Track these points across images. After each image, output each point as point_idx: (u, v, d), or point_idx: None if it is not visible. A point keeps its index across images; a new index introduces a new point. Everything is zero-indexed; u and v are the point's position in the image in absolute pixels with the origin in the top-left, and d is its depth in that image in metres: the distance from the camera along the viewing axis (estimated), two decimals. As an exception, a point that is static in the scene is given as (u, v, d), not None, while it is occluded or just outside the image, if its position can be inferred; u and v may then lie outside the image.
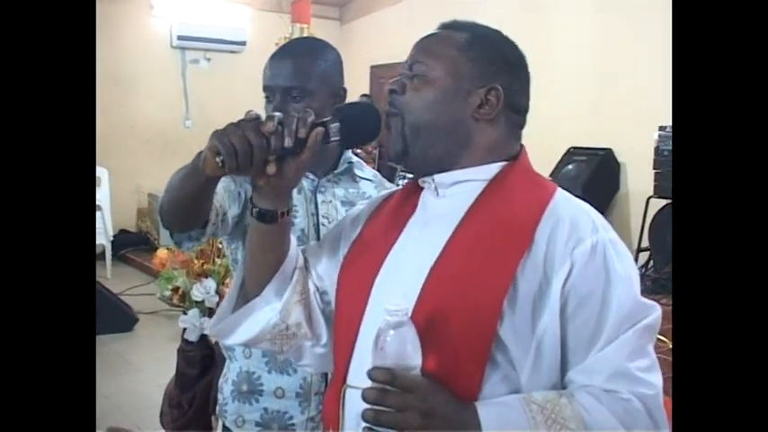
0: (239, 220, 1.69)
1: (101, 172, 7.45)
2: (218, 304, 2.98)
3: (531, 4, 7.05)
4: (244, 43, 8.93)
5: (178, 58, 8.89)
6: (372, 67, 9.54)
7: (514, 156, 1.21)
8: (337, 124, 1.16)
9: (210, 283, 3.04)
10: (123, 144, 8.32)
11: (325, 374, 1.72)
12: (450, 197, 1.19)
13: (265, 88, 1.70)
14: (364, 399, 1.00)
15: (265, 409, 1.75)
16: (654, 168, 5.71)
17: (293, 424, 1.74)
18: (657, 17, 5.99)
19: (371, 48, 9.39)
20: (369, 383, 1.00)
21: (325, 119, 1.16)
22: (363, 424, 1.01)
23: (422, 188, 1.24)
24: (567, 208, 1.14)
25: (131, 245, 8.09)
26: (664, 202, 5.66)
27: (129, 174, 8.22)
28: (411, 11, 8.56)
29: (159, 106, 8.67)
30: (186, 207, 1.48)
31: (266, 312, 1.26)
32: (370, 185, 1.84)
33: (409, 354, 1.00)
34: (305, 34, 6.80)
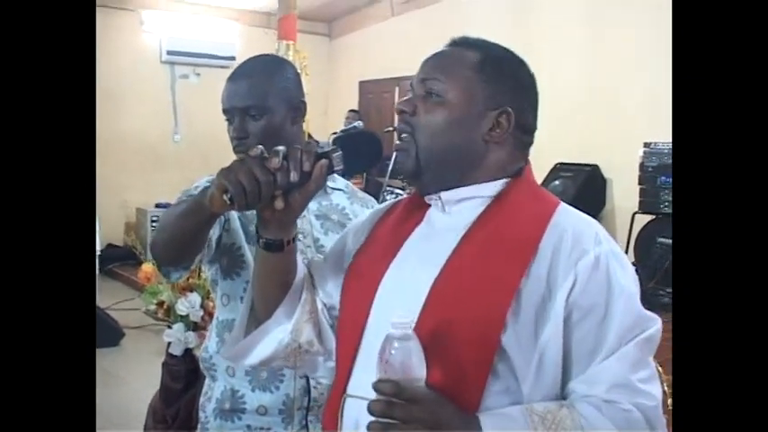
0: (219, 242, 1.68)
1: (88, 186, 7.41)
2: (202, 318, 2.98)
3: (519, 21, 7.10)
4: (233, 58, 8.93)
5: (167, 72, 8.90)
6: (361, 83, 9.58)
7: (519, 171, 1.22)
8: (340, 153, 1.16)
9: (195, 298, 3.03)
10: (111, 159, 8.25)
11: (308, 390, 1.71)
12: (456, 213, 1.19)
13: (225, 111, 1.70)
14: (370, 411, 1.00)
15: (248, 426, 1.74)
16: (639, 184, 5.74)
17: (276, 440, 1.72)
18: (644, 35, 6.05)
19: (360, 63, 9.43)
20: (369, 393, 1.01)
21: (327, 149, 1.17)
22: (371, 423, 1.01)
23: (427, 203, 1.24)
24: (569, 221, 1.15)
25: (118, 259, 8.03)
26: (649, 217, 5.69)
27: (117, 188, 8.18)
28: (400, 27, 8.61)
29: (148, 120, 8.66)
30: (184, 244, 1.49)
31: (278, 333, 1.27)
32: (343, 196, 1.84)
33: (414, 366, 1.01)
34: (290, 51, 6.80)
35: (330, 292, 1.32)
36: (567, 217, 1.16)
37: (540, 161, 6.81)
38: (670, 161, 5.54)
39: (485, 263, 1.10)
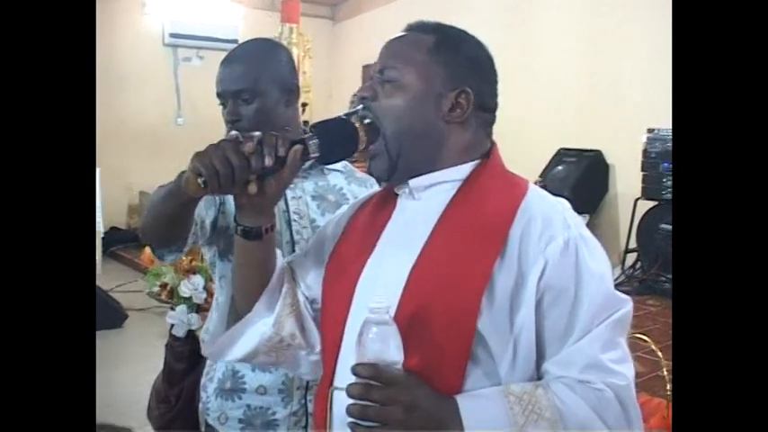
0: (215, 225, 1.69)
1: (92, 169, 7.42)
2: (206, 300, 3.00)
3: (520, 6, 7.06)
4: (236, 41, 8.87)
5: (170, 55, 8.88)
6: (365, 67, 9.54)
7: (486, 153, 1.22)
8: (316, 141, 1.15)
9: (198, 280, 3.04)
10: (115, 142, 8.28)
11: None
12: (426, 199, 1.20)
13: (218, 95, 1.71)
14: (348, 394, 1.02)
15: (248, 406, 1.76)
16: (642, 170, 5.72)
17: (276, 420, 1.74)
18: (647, 20, 6.02)
19: (364, 47, 9.37)
20: (350, 383, 1.02)
21: (303, 136, 1.16)
22: (348, 419, 1.02)
23: (396, 192, 1.25)
24: (539, 205, 1.15)
25: (122, 242, 8.08)
26: (651, 203, 5.68)
27: (120, 171, 8.19)
28: (404, 10, 8.55)
29: (151, 104, 8.66)
30: (168, 225, 1.50)
31: (259, 327, 1.27)
32: (340, 176, 1.85)
33: (391, 350, 1.02)
34: (294, 34, 6.79)
35: (311, 285, 1.32)
36: (537, 201, 1.16)
37: (543, 146, 6.80)
38: (673, 147, 5.54)
39: (458, 250, 1.12)
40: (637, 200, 5.78)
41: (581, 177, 6.27)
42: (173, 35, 8.73)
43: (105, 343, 5.17)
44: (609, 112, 6.35)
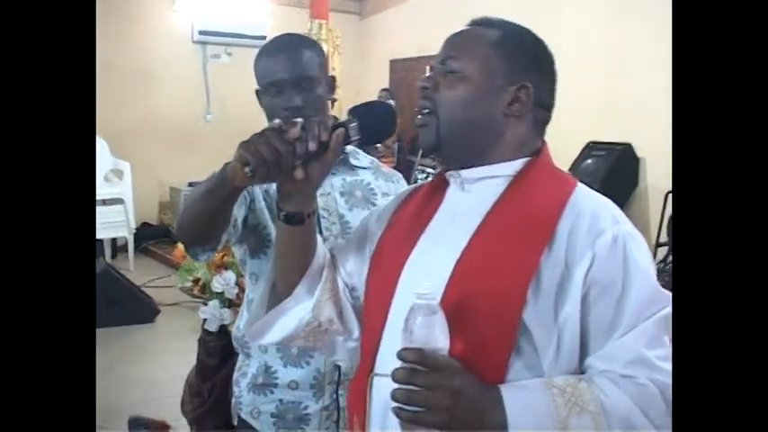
0: (245, 223, 1.71)
1: (123, 165, 7.51)
2: (237, 296, 3.02)
3: (550, -1, 7.01)
4: (264, 38, 8.88)
5: (199, 52, 8.93)
6: (392, 62, 9.54)
7: (537, 151, 1.24)
8: (356, 124, 1.19)
9: (230, 275, 3.07)
10: (145, 138, 8.36)
11: (338, 366, 1.74)
12: (475, 192, 1.22)
13: (272, 84, 1.70)
14: (394, 378, 1.03)
15: (280, 401, 1.77)
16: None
17: (308, 414, 1.76)
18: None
19: (391, 42, 9.39)
20: (391, 374, 1.03)
21: (343, 120, 1.20)
22: (393, 404, 1.03)
23: (448, 183, 1.27)
24: (587, 201, 1.17)
25: (153, 237, 8.15)
26: (683, 197, 5.61)
27: (151, 167, 8.26)
28: (430, 5, 8.54)
29: (181, 101, 8.71)
30: (207, 222, 1.51)
31: (299, 311, 1.29)
32: (368, 173, 1.86)
33: (437, 336, 1.03)
34: (323, 30, 6.79)
35: (351, 273, 1.35)
36: (585, 198, 1.18)
37: (572, 140, 6.75)
38: (705, 139, 5.46)
39: (506, 242, 1.13)
40: (668, 193, 5.72)
41: (610, 171, 6.22)
42: (202, 32, 8.78)
43: (138, 338, 5.25)
44: (638, 105, 6.28)
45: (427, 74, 1.26)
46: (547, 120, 1.26)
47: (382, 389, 1.12)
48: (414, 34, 8.86)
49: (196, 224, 1.52)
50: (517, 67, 1.20)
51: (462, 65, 1.20)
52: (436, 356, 1.03)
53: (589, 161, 6.38)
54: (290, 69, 1.69)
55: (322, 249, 1.34)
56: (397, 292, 1.20)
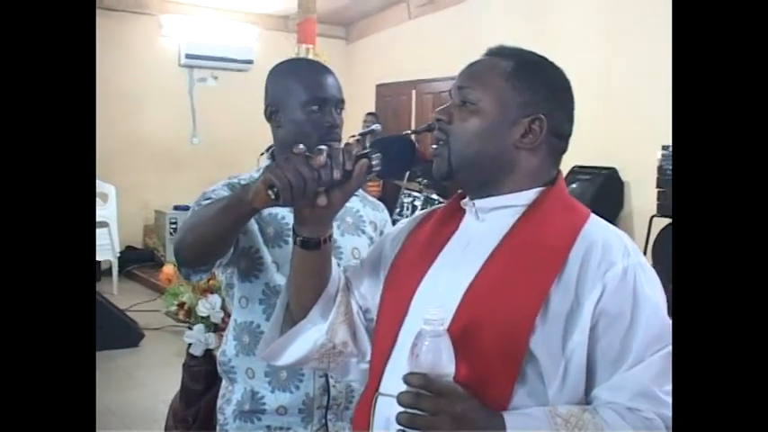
0: (236, 246, 1.70)
1: (108, 188, 7.48)
2: (223, 320, 3.00)
3: (536, 24, 7.08)
4: (251, 62, 8.98)
5: (186, 76, 8.94)
6: (378, 86, 9.59)
7: (552, 180, 1.24)
8: (379, 155, 1.21)
9: (216, 299, 3.05)
10: (131, 161, 8.34)
11: (327, 389, 1.73)
12: (489, 221, 1.23)
13: (318, 99, 1.73)
14: (399, 402, 1.03)
15: (268, 427, 1.76)
16: (657, 187, 5.71)
17: (296, 440, 1.74)
18: (661, 38, 6.01)
19: (377, 67, 9.44)
20: (401, 392, 1.04)
21: (366, 150, 1.22)
22: (397, 427, 1.04)
23: (463, 209, 1.28)
24: (599, 232, 1.17)
25: (138, 261, 8.10)
26: (667, 220, 5.66)
27: (136, 190, 8.24)
28: (416, 30, 8.60)
29: (167, 124, 8.70)
30: (216, 242, 1.52)
31: (313, 333, 1.30)
32: (356, 200, 1.88)
33: (443, 362, 1.04)
34: (310, 54, 6.82)
35: (365, 295, 1.36)
36: (597, 229, 1.18)
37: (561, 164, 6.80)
38: (688, 164, 5.51)
39: (517, 270, 1.13)
40: (652, 217, 5.76)
41: (596, 195, 6.25)
42: (189, 56, 8.80)
43: (122, 362, 5.20)
44: (623, 129, 6.34)
45: (444, 105, 1.28)
46: (563, 149, 1.27)
47: (385, 409, 1.14)
48: (399, 59, 8.92)
49: (203, 243, 1.52)
50: (531, 99, 1.21)
51: (476, 96, 1.21)
52: (441, 382, 1.03)
53: (574, 185, 6.41)
54: (336, 90, 1.76)
55: (337, 272, 1.35)
56: (408, 316, 1.21)
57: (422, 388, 1.02)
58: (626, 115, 6.33)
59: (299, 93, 1.73)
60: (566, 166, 5.74)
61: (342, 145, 1.23)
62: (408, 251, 1.32)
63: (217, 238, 1.50)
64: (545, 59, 1.27)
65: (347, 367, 1.37)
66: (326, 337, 1.29)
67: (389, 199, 5.97)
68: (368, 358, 1.33)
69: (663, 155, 5.68)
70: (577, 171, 6.53)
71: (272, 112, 1.78)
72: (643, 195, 6.08)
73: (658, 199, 5.71)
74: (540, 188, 1.22)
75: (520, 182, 1.22)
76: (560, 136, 1.25)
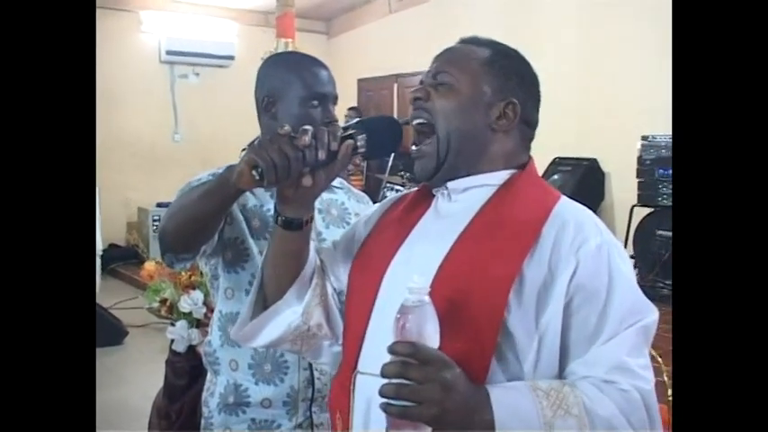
0: (220, 235, 1.69)
1: (90, 186, 7.43)
2: (205, 315, 2.99)
3: (515, 17, 7.10)
4: (232, 57, 8.95)
5: (167, 72, 8.90)
6: (359, 81, 9.58)
7: (523, 165, 1.26)
8: (364, 136, 1.20)
9: (198, 295, 3.03)
10: (113, 159, 8.28)
11: (312, 381, 1.72)
12: (462, 201, 1.23)
13: (317, 95, 1.72)
14: (383, 373, 1.00)
15: (253, 420, 1.74)
16: (637, 177, 5.74)
17: (281, 432, 1.73)
18: (641, 30, 6.05)
19: (358, 61, 9.43)
20: (380, 369, 1.01)
21: (352, 131, 1.20)
22: (381, 400, 1.01)
23: (433, 194, 1.28)
24: (571, 212, 1.18)
25: (121, 259, 8.05)
26: (647, 210, 5.69)
27: (118, 188, 8.19)
28: (397, 24, 8.60)
29: (148, 120, 8.67)
30: (201, 226, 1.50)
31: (288, 315, 1.29)
32: (341, 193, 1.89)
33: (429, 331, 1.02)
34: (290, 48, 6.79)
35: (340, 278, 1.35)
36: (569, 208, 1.19)
37: (539, 156, 6.85)
38: (668, 154, 5.54)
39: (490, 245, 1.13)
40: (633, 207, 5.80)
41: (577, 186, 6.29)
42: (169, 52, 8.75)
43: (106, 360, 5.16)
44: (603, 120, 6.37)
45: (417, 86, 1.27)
46: (532, 136, 1.29)
47: (364, 387, 1.12)
48: (381, 54, 8.91)
49: (188, 227, 1.51)
50: (505, 85, 1.23)
51: (453, 78, 1.22)
52: (429, 349, 1.01)
53: (556, 176, 6.45)
54: (333, 85, 1.74)
55: (313, 255, 1.34)
56: (380, 292, 1.21)
57: (409, 356, 0.99)
58: (606, 107, 6.37)
59: (299, 87, 1.71)
60: (548, 157, 5.80)
61: None
62: (380, 231, 1.32)
63: (201, 222, 1.49)
64: (517, 51, 1.30)
65: (320, 350, 1.36)
66: (302, 319, 1.28)
67: (372, 192, 5.97)
68: (340, 341, 1.32)
69: (642, 145, 5.71)
70: (559, 162, 6.56)
71: (269, 104, 1.75)
72: (623, 185, 6.12)
73: (638, 189, 5.75)
74: (513, 170, 1.24)
75: (494, 163, 1.23)
76: (530, 124, 1.27)
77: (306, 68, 1.74)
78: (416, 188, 1.35)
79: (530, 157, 1.28)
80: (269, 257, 1.31)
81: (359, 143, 1.19)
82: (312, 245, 1.33)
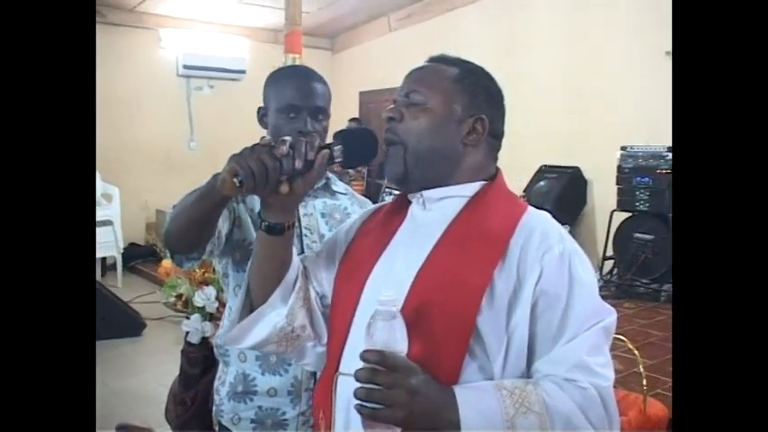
0: (229, 237, 1.69)
1: (112, 189, 7.44)
2: (218, 310, 2.99)
3: (504, 35, 7.10)
4: (243, 72, 8.94)
5: (184, 85, 8.89)
6: (361, 93, 9.58)
7: (492, 176, 1.26)
8: (340, 147, 1.19)
9: (211, 291, 3.03)
10: (133, 164, 8.31)
11: (314, 373, 1.72)
12: (436, 210, 1.23)
13: (290, 107, 1.70)
14: (356, 378, 1.03)
15: (259, 407, 1.75)
16: (617, 184, 5.76)
17: (286, 420, 1.74)
18: (624, 49, 6.06)
19: (360, 75, 9.43)
20: (354, 373, 1.03)
21: (329, 142, 1.20)
22: (355, 401, 1.03)
23: (410, 201, 1.28)
24: (537, 221, 1.19)
25: (140, 257, 8.05)
26: (626, 215, 5.70)
27: (137, 191, 8.18)
28: (397, 42, 8.60)
29: (166, 129, 8.66)
30: (197, 228, 1.49)
31: (273, 317, 1.28)
32: (345, 198, 1.87)
33: (397, 340, 1.03)
34: (297, 62, 6.78)
35: (322, 282, 1.34)
36: (535, 218, 1.20)
37: (527, 163, 6.85)
38: (644, 163, 5.57)
39: (463, 254, 1.14)
40: (612, 211, 5.81)
41: (562, 192, 6.29)
42: (186, 66, 8.75)
43: (126, 350, 5.17)
44: (586, 131, 6.38)
45: (391, 106, 1.26)
46: (498, 148, 1.29)
47: (346, 388, 1.12)
48: (381, 68, 8.90)
49: (184, 230, 1.50)
50: (474, 101, 1.23)
51: (424, 98, 1.22)
52: (395, 357, 1.03)
53: (542, 183, 6.45)
54: (313, 97, 1.71)
55: (296, 260, 1.33)
56: (362, 298, 1.21)
57: (377, 364, 1.02)
58: (588, 120, 6.38)
59: (277, 99, 1.72)
60: (534, 165, 5.79)
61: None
62: (361, 239, 1.32)
63: (196, 225, 1.47)
64: (483, 69, 1.29)
65: (303, 351, 1.35)
66: (286, 321, 1.27)
67: (372, 196, 5.96)
68: (324, 342, 1.32)
69: (621, 155, 5.73)
70: (545, 170, 6.56)
71: (263, 115, 1.78)
72: (604, 192, 6.12)
73: (618, 195, 5.76)
74: (483, 182, 1.24)
75: (465, 175, 1.23)
76: (497, 136, 1.27)
77: (287, 82, 1.73)
78: (394, 198, 1.34)
79: (497, 169, 1.28)
80: (254, 262, 1.30)
81: (335, 153, 1.19)
82: (295, 250, 1.32)
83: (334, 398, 1.17)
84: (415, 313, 1.09)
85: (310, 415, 1.73)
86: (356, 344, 1.11)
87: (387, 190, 6.19)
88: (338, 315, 1.26)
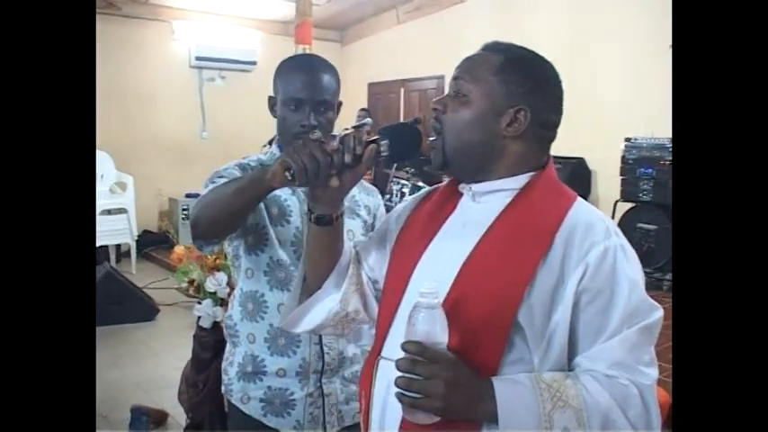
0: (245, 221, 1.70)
1: (126, 178, 7.48)
2: (229, 295, 3.00)
3: (509, 28, 7.07)
4: (254, 63, 8.94)
5: (196, 76, 8.90)
6: (370, 85, 9.56)
7: (542, 165, 1.23)
8: (387, 142, 1.21)
9: (222, 276, 3.05)
10: (146, 153, 8.34)
11: (322, 355, 1.74)
12: (485, 203, 1.21)
13: (294, 99, 1.70)
14: (397, 367, 1.04)
15: (269, 387, 1.76)
16: (620, 175, 5.74)
17: (294, 400, 1.75)
18: (625, 39, 6.03)
19: (369, 67, 9.41)
20: (401, 356, 1.05)
21: (375, 137, 1.21)
22: (396, 389, 1.05)
23: (460, 192, 1.27)
24: (584, 215, 1.16)
25: (154, 243, 8.08)
26: (629, 205, 5.69)
27: (151, 180, 8.22)
28: (405, 34, 8.57)
29: (179, 119, 8.68)
30: (234, 217, 1.52)
31: (328, 302, 1.31)
32: (354, 188, 1.86)
33: (437, 332, 1.04)
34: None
35: (373, 267, 1.36)
36: (582, 211, 1.17)
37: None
38: (648, 154, 5.54)
39: (508, 248, 1.13)
40: (616, 202, 5.78)
41: (566, 182, 6.11)
42: (198, 58, 8.75)
43: (140, 334, 5.20)
44: (591, 123, 6.35)
45: (440, 96, 1.26)
46: (551, 137, 1.25)
47: (387, 372, 1.13)
48: (389, 60, 8.89)
49: (221, 218, 1.52)
50: (517, 91, 1.19)
51: (468, 88, 1.20)
52: (434, 349, 1.03)
53: (547, 173, 6.43)
54: (317, 90, 1.69)
55: (348, 246, 1.35)
56: (408, 287, 1.21)
57: (417, 355, 1.03)
58: (594, 111, 6.34)
59: (283, 92, 1.72)
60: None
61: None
62: (411, 227, 1.31)
63: (234, 214, 1.51)
64: (534, 54, 1.26)
65: (360, 333, 1.39)
66: (340, 306, 1.30)
67: (379, 186, 5.97)
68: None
69: (625, 146, 5.71)
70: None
71: (273, 105, 1.78)
72: (608, 182, 6.10)
73: (621, 185, 5.73)
74: (531, 173, 1.21)
75: (510, 167, 1.20)
76: (546, 125, 1.23)
77: (292, 74, 1.72)
78: (443, 185, 1.33)
79: (549, 158, 1.25)
80: (307, 252, 1.33)
81: (382, 148, 1.20)
82: (347, 239, 1.34)
83: (374, 381, 1.19)
84: (458, 304, 1.09)
85: (318, 396, 1.75)
86: (399, 331, 1.11)
87: (394, 179, 6.19)
88: (386, 301, 1.28)
